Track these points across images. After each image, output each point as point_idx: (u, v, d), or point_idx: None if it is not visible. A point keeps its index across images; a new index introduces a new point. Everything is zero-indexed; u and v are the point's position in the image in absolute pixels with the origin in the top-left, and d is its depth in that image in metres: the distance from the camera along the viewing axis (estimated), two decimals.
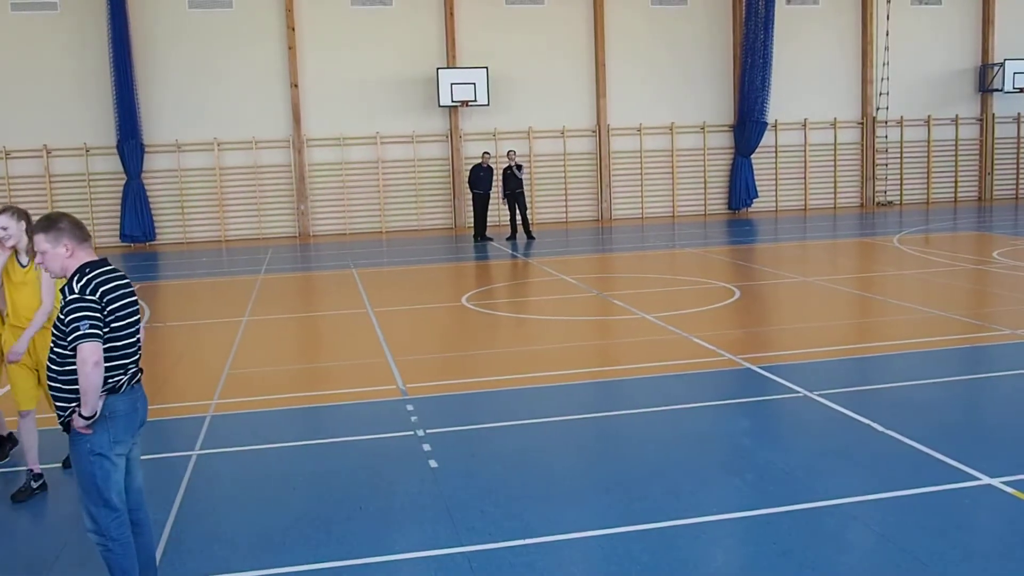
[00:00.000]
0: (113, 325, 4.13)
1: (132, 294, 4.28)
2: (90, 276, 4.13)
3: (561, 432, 7.08)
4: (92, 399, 4.06)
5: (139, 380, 4.37)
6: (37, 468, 6.08)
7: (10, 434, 6.91)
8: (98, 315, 4.06)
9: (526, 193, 22.43)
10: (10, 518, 5.73)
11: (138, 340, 4.32)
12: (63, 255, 4.16)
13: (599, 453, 6.64)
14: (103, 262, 4.26)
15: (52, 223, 4.20)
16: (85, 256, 4.22)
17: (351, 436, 7.24)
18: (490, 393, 8.38)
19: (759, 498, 5.51)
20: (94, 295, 4.08)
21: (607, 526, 5.20)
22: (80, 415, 4.09)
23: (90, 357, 3.99)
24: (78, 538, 5.36)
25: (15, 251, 6.06)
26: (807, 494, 5.58)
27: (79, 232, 4.22)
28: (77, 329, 4.01)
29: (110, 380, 4.16)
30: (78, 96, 23.25)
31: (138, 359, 4.33)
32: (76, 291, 4.07)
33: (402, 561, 4.90)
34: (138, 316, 4.30)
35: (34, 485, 6.01)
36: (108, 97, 22.97)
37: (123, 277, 4.30)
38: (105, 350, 4.10)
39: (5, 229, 5.92)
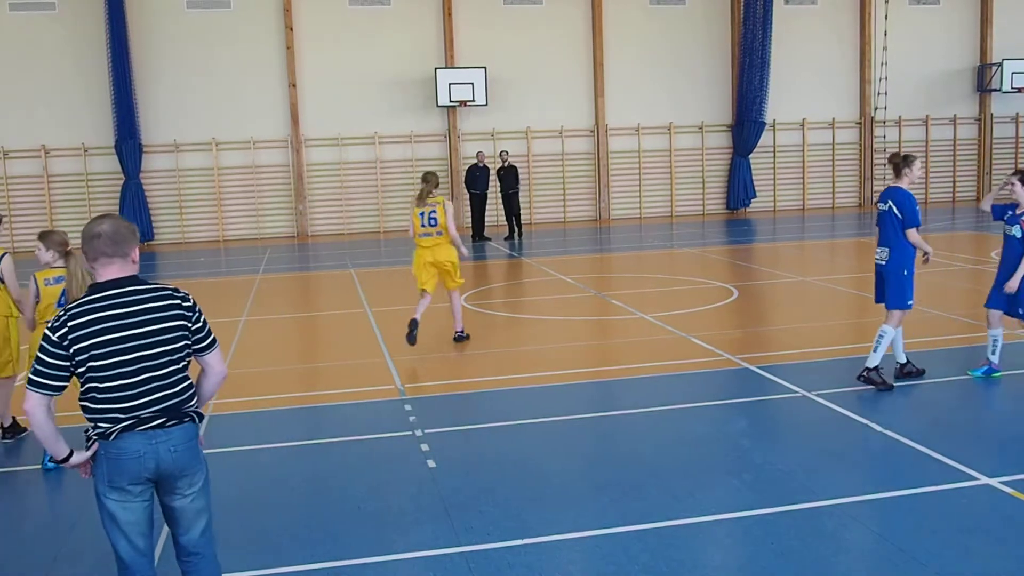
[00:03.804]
0: (90, 364, 3.53)
1: (132, 326, 3.57)
2: (71, 305, 3.58)
3: (559, 432, 7.07)
4: (48, 447, 3.67)
5: (160, 425, 3.63)
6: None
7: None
8: (52, 357, 3.52)
9: (521, 192, 22.45)
10: (9, 518, 5.72)
11: (142, 383, 3.60)
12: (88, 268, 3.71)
13: (597, 453, 6.63)
14: (111, 284, 3.61)
15: (84, 233, 3.68)
16: (103, 274, 3.64)
17: (349, 436, 7.23)
18: (488, 393, 8.38)
19: (757, 498, 5.51)
20: (59, 331, 3.52)
21: (605, 526, 5.20)
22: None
23: (25, 403, 3.55)
24: (76, 538, 5.35)
25: None
26: (805, 494, 5.58)
27: (87, 247, 3.63)
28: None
29: (99, 424, 3.60)
30: (76, 96, 23.24)
31: (147, 404, 3.61)
32: (50, 324, 3.55)
33: (400, 561, 4.90)
34: (139, 353, 3.58)
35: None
36: (106, 97, 22.96)
37: (128, 304, 3.59)
38: (84, 392, 3.60)
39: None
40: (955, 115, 28.15)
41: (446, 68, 24.37)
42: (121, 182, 23.31)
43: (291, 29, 23.97)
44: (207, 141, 23.92)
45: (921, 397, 7.58)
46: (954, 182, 28.54)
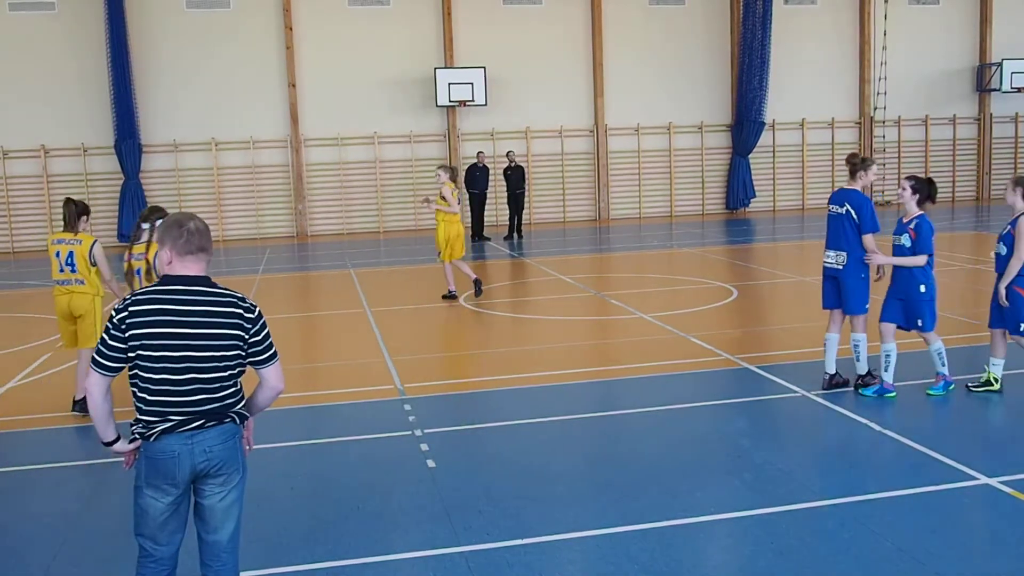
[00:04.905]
0: (140, 353, 3.58)
1: (186, 325, 3.59)
2: (138, 291, 3.65)
3: (559, 432, 7.07)
4: (97, 427, 3.71)
5: (200, 427, 3.63)
6: None
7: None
8: (112, 340, 3.58)
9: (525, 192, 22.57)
10: (9, 517, 5.72)
11: (187, 383, 3.61)
12: (164, 261, 3.72)
13: (597, 453, 6.64)
14: (183, 280, 3.66)
15: (166, 226, 3.76)
16: (178, 269, 3.68)
17: (349, 436, 7.23)
18: (488, 393, 8.38)
19: (756, 498, 5.51)
20: (120, 313, 3.58)
21: (604, 526, 5.20)
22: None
23: (87, 380, 3.66)
24: (76, 537, 5.35)
25: None
26: (804, 494, 5.58)
27: (184, 242, 3.67)
28: None
29: (141, 419, 3.63)
30: (76, 96, 23.23)
31: (188, 404, 3.61)
32: (115, 307, 3.65)
33: (400, 561, 4.90)
34: (188, 353, 3.58)
35: None
36: (106, 97, 22.95)
37: (190, 303, 3.61)
38: (132, 378, 3.64)
39: None
40: (954, 115, 28.15)
41: (445, 68, 24.36)
42: (121, 182, 23.31)
43: (291, 29, 23.96)
44: (207, 141, 23.91)
45: (920, 397, 7.57)
46: (953, 182, 28.53)
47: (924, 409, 7.28)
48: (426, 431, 7.02)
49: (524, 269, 16.93)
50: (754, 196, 26.74)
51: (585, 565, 4.80)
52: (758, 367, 8.64)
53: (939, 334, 7.74)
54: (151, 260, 6.45)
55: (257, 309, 3.78)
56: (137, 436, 3.66)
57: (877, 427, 6.74)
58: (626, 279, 15.38)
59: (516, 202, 22.20)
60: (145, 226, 6.78)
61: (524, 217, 23.73)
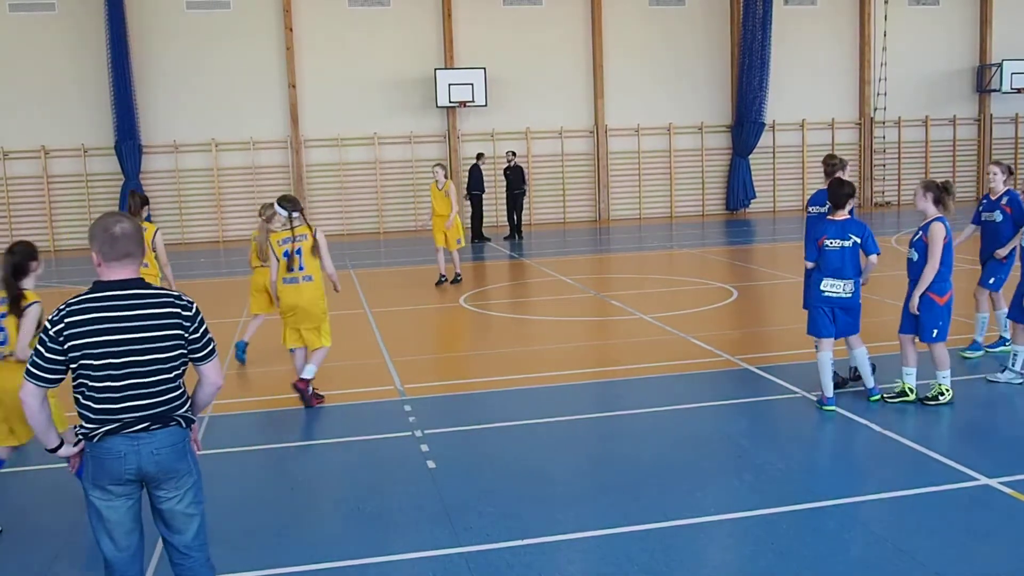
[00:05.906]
0: (82, 363, 3.53)
1: (128, 330, 3.55)
2: (72, 301, 3.56)
3: (559, 432, 7.08)
4: (39, 435, 3.70)
5: (144, 428, 3.60)
6: None
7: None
8: (48, 353, 3.53)
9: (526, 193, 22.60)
10: (10, 519, 5.72)
11: (128, 387, 3.57)
12: (94, 262, 3.62)
13: (597, 453, 6.64)
14: (116, 285, 3.59)
15: (94, 227, 3.64)
16: (108, 273, 3.60)
17: (349, 436, 7.24)
18: (488, 394, 8.38)
19: (757, 498, 5.51)
20: (56, 325, 3.51)
21: (605, 526, 5.20)
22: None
23: (20, 391, 3.59)
24: (76, 537, 5.35)
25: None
26: (805, 494, 5.58)
27: (109, 248, 3.58)
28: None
29: (85, 426, 3.60)
30: (76, 97, 23.23)
31: (131, 409, 3.58)
32: (49, 319, 3.56)
33: (400, 561, 4.90)
34: (131, 358, 3.55)
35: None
36: (106, 98, 22.95)
37: (129, 308, 3.56)
38: (76, 387, 3.59)
39: None
40: (955, 116, 28.15)
41: (445, 68, 24.36)
42: (121, 183, 23.29)
43: (291, 30, 23.97)
44: (207, 142, 23.91)
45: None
46: (953, 183, 28.46)
47: (924, 410, 7.28)
48: (426, 432, 7.02)
49: (524, 270, 16.93)
50: (754, 197, 26.74)
51: (585, 565, 4.80)
52: (758, 368, 8.64)
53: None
54: (315, 236, 8.14)
55: (194, 306, 3.75)
56: (81, 437, 3.65)
57: (877, 428, 6.74)
58: (626, 280, 15.38)
59: (515, 202, 22.20)
60: (296, 214, 8.01)
61: (524, 218, 23.75)
